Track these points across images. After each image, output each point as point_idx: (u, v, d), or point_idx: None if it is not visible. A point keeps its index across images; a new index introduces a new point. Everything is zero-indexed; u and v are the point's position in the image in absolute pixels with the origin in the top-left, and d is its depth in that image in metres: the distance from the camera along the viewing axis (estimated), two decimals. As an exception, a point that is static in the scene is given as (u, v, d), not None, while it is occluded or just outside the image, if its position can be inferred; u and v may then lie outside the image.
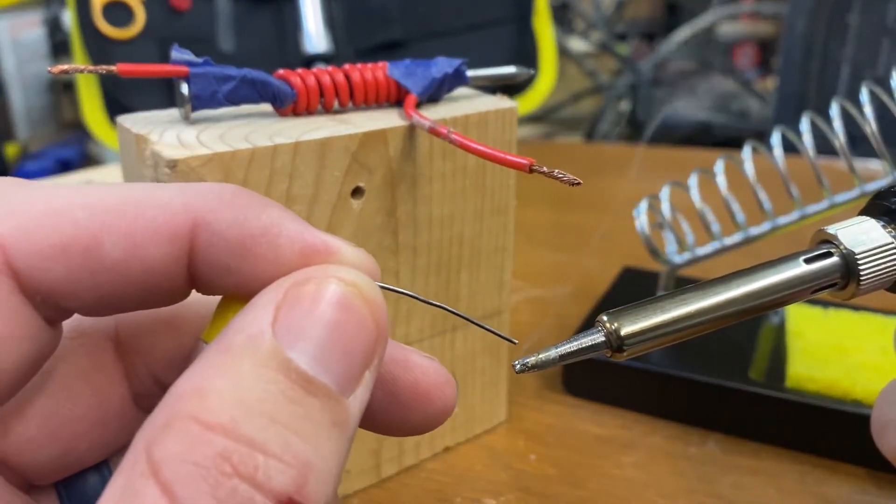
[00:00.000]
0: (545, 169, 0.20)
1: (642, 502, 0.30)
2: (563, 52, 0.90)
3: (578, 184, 0.19)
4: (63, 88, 0.76)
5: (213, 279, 0.16)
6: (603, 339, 0.18)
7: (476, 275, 0.31)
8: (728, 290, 0.19)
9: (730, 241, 0.37)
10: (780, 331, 0.37)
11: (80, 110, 0.58)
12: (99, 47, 0.55)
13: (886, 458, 0.22)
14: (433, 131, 0.25)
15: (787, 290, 0.19)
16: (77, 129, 0.74)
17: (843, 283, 0.20)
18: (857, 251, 0.19)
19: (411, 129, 0.26)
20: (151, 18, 0.56)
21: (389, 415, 0.18)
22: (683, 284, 0.40)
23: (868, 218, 0.20)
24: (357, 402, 0.15)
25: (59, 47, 0.75)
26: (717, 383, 0.33)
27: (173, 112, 0.25)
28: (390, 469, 0.31)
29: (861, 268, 0.19)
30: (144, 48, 0.56)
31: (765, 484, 0.31)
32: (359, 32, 0.61)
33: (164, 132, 0.23)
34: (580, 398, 0.36)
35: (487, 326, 0.19)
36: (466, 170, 0.28)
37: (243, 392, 0.13)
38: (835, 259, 0.19)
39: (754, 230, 0.37)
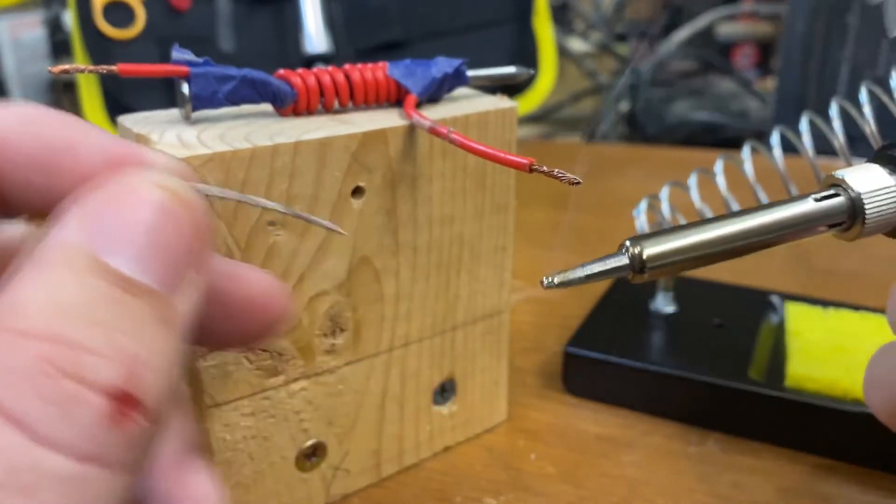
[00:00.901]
0: (545, 168, 0.20)
1: (642, 501, 0.30)
2: (563, 53, 0.90)
3: (578, 183, 0.20)
4: (63, 88, 0.77)
5: (20, 199, 0.16)
6: (627, 261, 0.19)
7: (476, 274, 0.31)
8: (744, 222, 0.20)
9: (729, 240, 0.37)
10: (780, 330, 0.37)
11: (81, 110, 0.58)
12: (99, 47, 0.55)
13: (875, 416, 0.23)
14: (433, 131, 0.25)
15: (797, 226, 0.21)
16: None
17: (850, 223, 0.21)
18: (862, 191, 0.21)
19: (411, 129, 0.26)
20: (152, 18, 0.56)
21: (228, 328, 0.19)
22: (683, 284, 0.40)
23: (874, 165, 0.22)
24: (186, 300, 0.15)
25: (60, 47, 0.75)
26: (717, 383, 0.33)
27: (174, 112, 0.25)
28: (390, 468, 0.31)
29: (866, 207, 0.21)
30: (145, 48, 0.56)
31: (764, 483, 0.31)
32: (359, 33, 0.61)
33: (165, 132, 0.23)
34: (580, 397, 0.36)
35: (313, 218, 0.20)
36: (466, 169, 0.28)
37: (59, 298, 0.13)
38: (842, 199, 0.21)
39: (754, 230, 0.37)
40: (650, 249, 0.19)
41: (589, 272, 0.19)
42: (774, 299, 0.39)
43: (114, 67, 0.23)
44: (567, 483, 0.31)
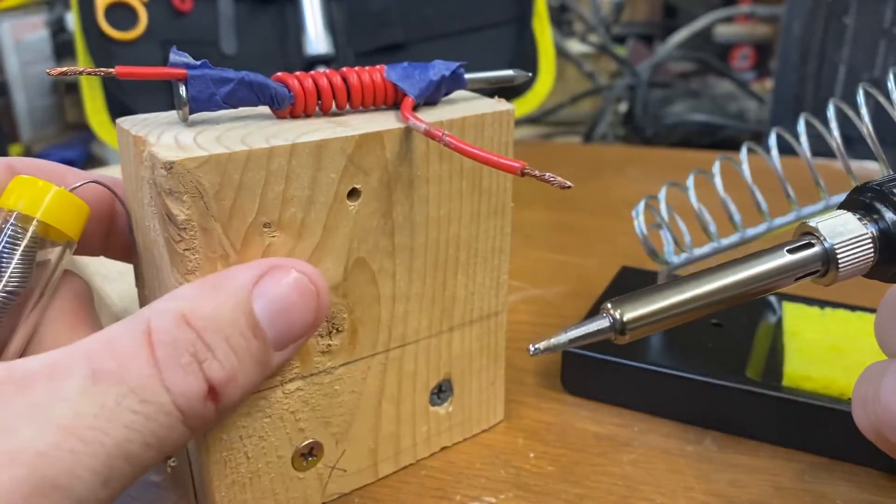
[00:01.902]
0: (536, 172, 0.21)
1: (640, 500, 0.30)
2: (562, 54, 0.91)
3: (569, 187, 0.21)
4: (66, 90, 0.77)
5: None
6: (608, 324, 0.20)
7: (473, 276, 0.31)
8: (719, 279, 0.21)
9: (726, 241, 0.38)
10: (777, 330, 0.37)
11: (84, 111, 0.58)
12: (102, 49, 0.56)
13: (863, 433, 0.24)
14: (428, 134, 0.25)
15: (773, 278, 0.21)
16: (81, 130, 0.74)
17: (824, 270, 0.22)
18: (835, 242, 0.21)
19: (407, 132, 0.26)
20: (154, 20, 0.57)
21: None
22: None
23: (845, 211, 0.22)
24: (279, 357, 0.24)
25: (63, 49, 0.75)
26: (715, 382, 0.33)
27: (173, 114, 0.25)
28: (387, 468, 0.31)
29: (839, 256, 0.21)
30: (147, 50, 0.56)
31: (762, 482, 0.31)
32: (359, 35, 0.61)
33: (163, 134, 0.23)
34: (579, 397, 0.36)
35: None
36: (463, 172, 0.29)
37: (218, 315, 0.21)
38: (816, 249, 0.21)
39: (751, 231, 0.38)
40: (630, 313, 0.20)
41: (572, 336, 0.20)
42: (772, 299, 0.40)
43: (112, 70, 0.23)
44: (566, 481, 0.31)
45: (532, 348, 0.20)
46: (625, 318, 0.20)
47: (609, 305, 0.20)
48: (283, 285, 0.23)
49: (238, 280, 0.22)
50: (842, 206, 0.23)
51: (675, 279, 0.21)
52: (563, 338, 0.20)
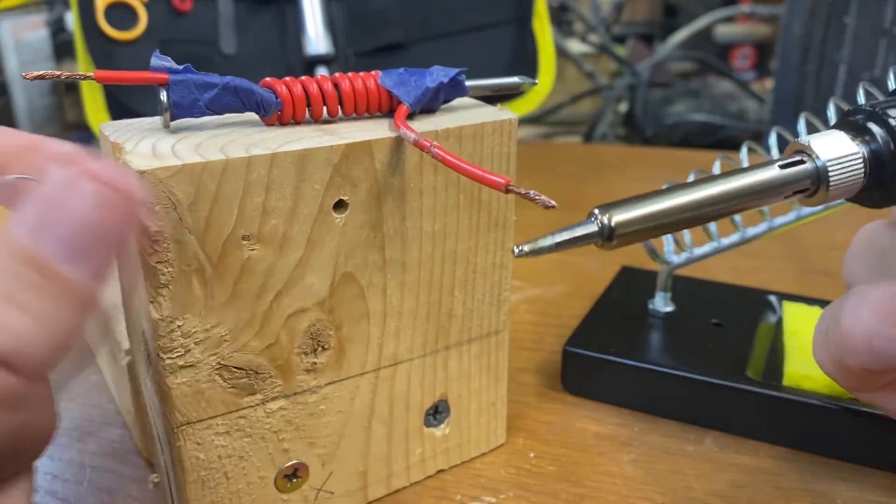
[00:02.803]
0: (521, 190, 0.20)
1: (640, 500, 0.30)
2: (562, 54, 0.91)
3: (553, 207, 0.20)
4: (66, 90, 0.77)
5: None
6: (596, 228, 0.19)
7: (471, 293, 0.29)
8: (711, 188, 0.20)
9: (727, 241, 0.38)
10: (777, 330, 0.37)
11: (84, 111, 0.58)
12: (101, 49, 0.56)
13: (823, 370, 0.23)
14: (417, 144, 0.24)
15: (763, 192, 0.21)
16: (81, 130, 0.74)
17: (814, 188, 0.21)
18: (827, 159, 0.21)
19: (399, 141, 0.25)
20: (154, 20, 0.57)
21: None
22: (681, 284, 0.40)
23: (837, 130, 0.22)
24: (91, 277, 0.18)
25: (63, 49, 0.75)
26: (715, 382, 0.33)
27: (157, 120, 0.24)
28: (378, 491, 0.30)
29: (830, 173, 0.21)
30: (147, 50, 0.56)
31: (762, 482, 0.31)
32: (359, 34, 0.61)
33: (141, 141, 0.22)
34: (579, 396, 0.36)
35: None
36: (460, 184, 0.27)
37: None
38: (807, 166, 0.21)
39: (751, 231, 0.38)
40: (619, 216, 0.19)
41: (559, 240, 0.19)
42: (772, 299, 0.40)
43: (91, 74, 0.22)
44: (566, 481, 0.31)
45: (516, 250, 0.19)
46: (613, 223, 0.19)
47: (597, 210, 0.19)
48: (76, 208, 0.18)
49: (10, 226, 0.18)
50: (834, 126, 0.22)
51: (666, 188, 0.20)
52: (549, 240, 0.19)
